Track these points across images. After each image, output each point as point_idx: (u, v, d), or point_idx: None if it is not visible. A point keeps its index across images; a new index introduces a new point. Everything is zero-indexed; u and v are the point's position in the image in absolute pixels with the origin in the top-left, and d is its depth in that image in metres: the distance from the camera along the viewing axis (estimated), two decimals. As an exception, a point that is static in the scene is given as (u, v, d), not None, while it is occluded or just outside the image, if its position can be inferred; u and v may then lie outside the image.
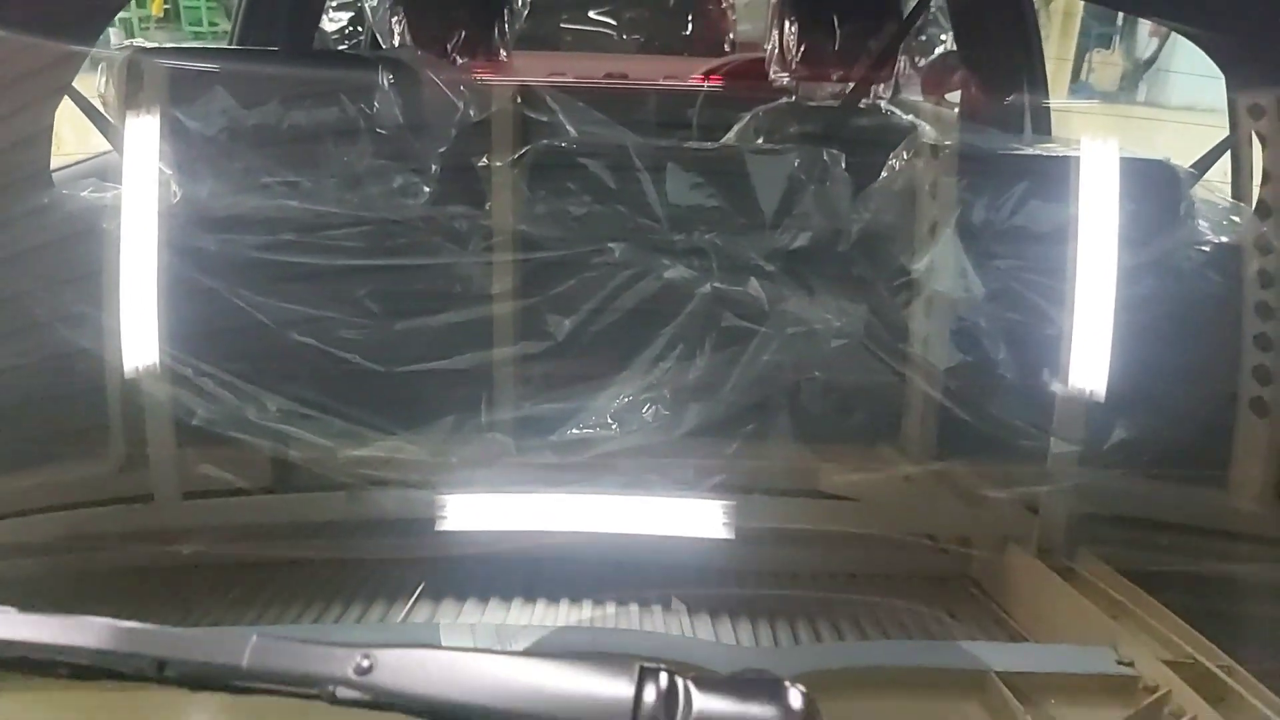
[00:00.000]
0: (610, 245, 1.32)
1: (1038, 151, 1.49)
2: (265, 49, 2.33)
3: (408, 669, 0.56)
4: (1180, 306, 1.34)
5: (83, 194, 1.36)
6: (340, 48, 4.16)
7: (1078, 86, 10.53)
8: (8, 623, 0.59)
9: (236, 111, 1.36)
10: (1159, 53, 15.64)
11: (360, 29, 3.76)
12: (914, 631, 1.24)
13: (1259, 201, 1.38)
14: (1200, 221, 1.39)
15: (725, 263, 1.31)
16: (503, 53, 2.24)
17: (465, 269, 1.35)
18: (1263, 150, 1.39)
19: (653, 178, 1.35)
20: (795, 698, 0.56)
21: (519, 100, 1.45)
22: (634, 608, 1.24)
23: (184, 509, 1.34)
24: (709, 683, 0.56)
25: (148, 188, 1.31)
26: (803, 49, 2.17)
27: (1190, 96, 16.02)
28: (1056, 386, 1.29)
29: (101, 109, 1.41)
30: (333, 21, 4.19)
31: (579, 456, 1.29)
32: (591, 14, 4.69)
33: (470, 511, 1.33)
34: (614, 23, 4.78)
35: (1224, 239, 1.39)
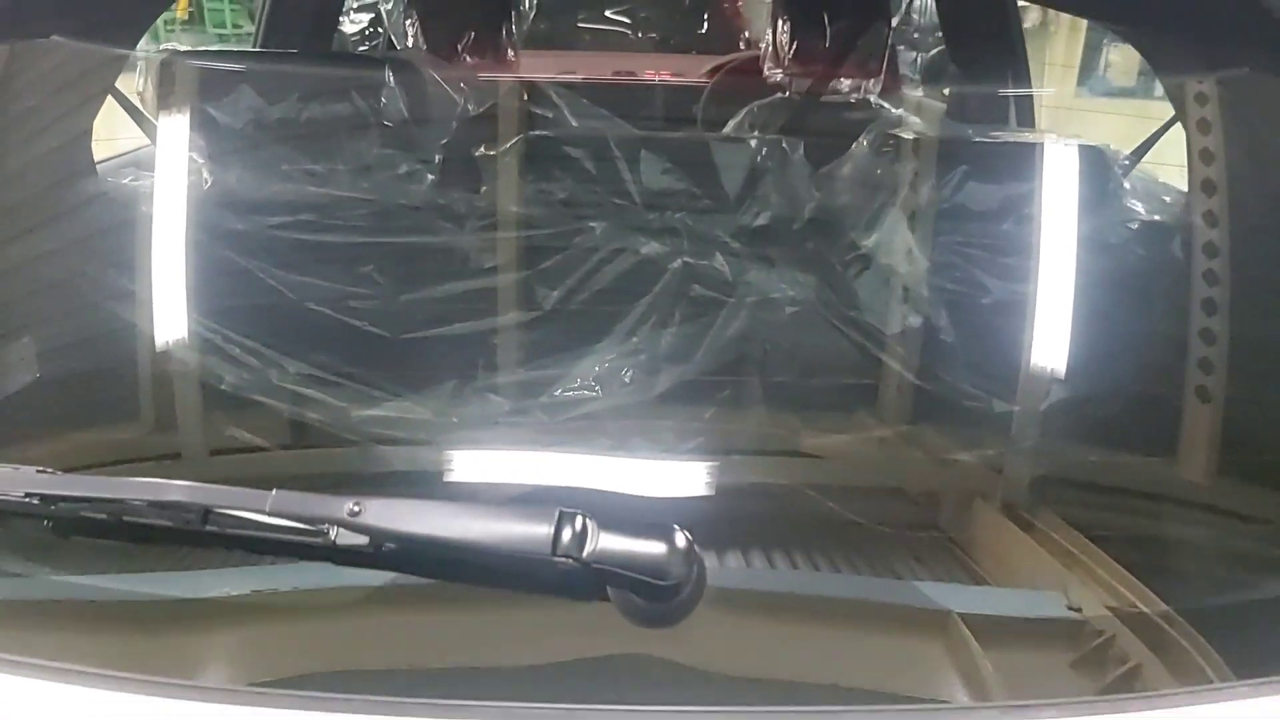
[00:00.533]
0: (592, 225, 1.45)
1: (993, 140, 1.62)
2: (286, 51, 2.47)
3: (387, 512, 0.72)
4: (1126, 284, 1.44)
5: (124, 182, 1.51)
6: (361, 48, 4.30)
7: (1095, 81, 10.47)
8: (56, 483, 0.75)
9: (260, 107, 1.50)
10: (1177, 47, 15.49)
11: (380, 29, 3.90)
12: (881, 573, 1.34)
13: (1204, 180, 1.48)
14: (1135, 203, 1.51)
15: (694, 240, 1.44)
16: (509, 53, 2.37)
17: (463, 246, 1.48)
18: (1202, 136, 1.49)
19: (629, 165, 1.48)
20: (680, 539, 0.73)
21: (523, 97, 1.58)
22: None
23: (209, 465, 1.45)
24: (612, 525, 0.72)
25: (182, 175, 1.46)
26: (795, 46, 2.30)
27: (1208, 91, 15.78)
28: (1019, 360, 1.40)
29: (139, 106, 1.57)
30: (353, 23, 4.33)
31: (565, 416, 1.41)
32: (607, 13, 4.78)
33: (469, 466, 1.47)
34: (629, 21, 4.85)
35: (1159, 218, 1.51)
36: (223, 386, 1.37)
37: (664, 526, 0.76)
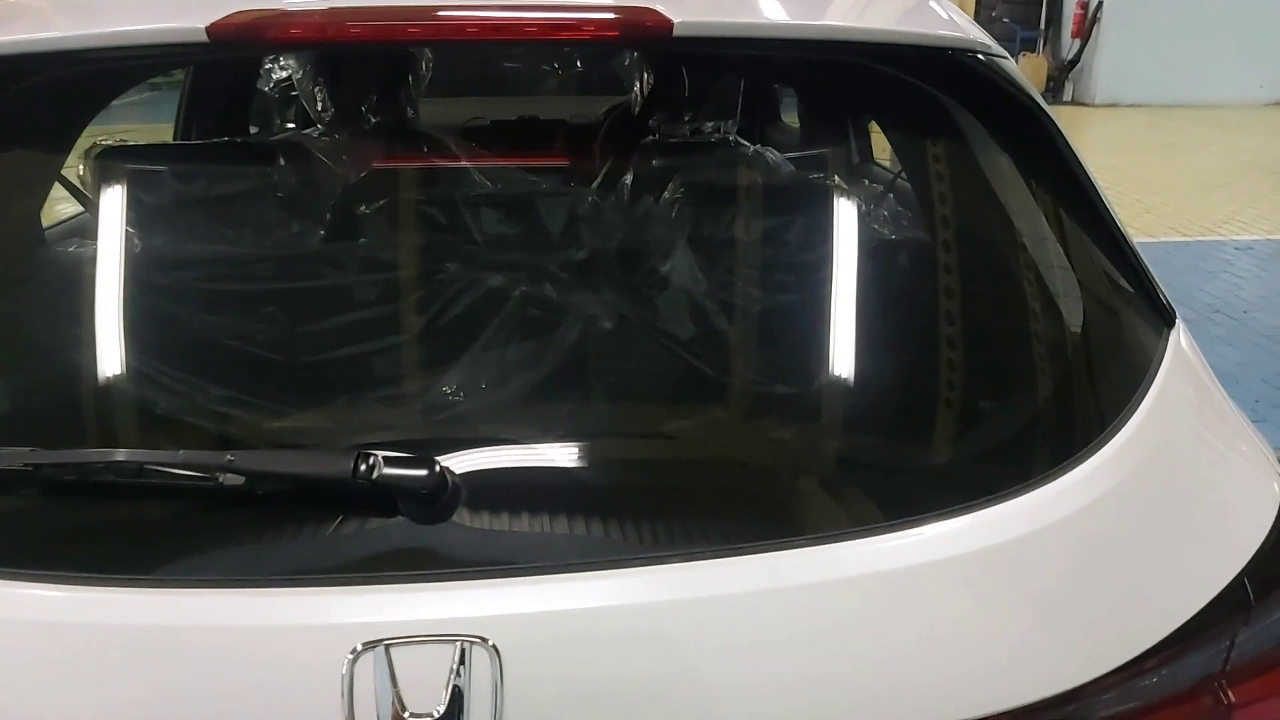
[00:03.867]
0: (449, 265, 1.81)
1: (773, 182, 2.02)
2: (198, 143, 2.83)
3: (252, 457, 1.11)
4: (872, 293, 1.76)
5: (70, 250, 1.87)
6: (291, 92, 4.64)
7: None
8: (40, 456, 1.12)
9: (179, 186, 1.87)
10: (1080, 54, 16.32)
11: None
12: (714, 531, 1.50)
13: (941, 216, 1.87)
14: (884, 227, 1.92)
15: (529, 273, 1.78)
16: (409, 110, 2.76)
17: (347, 287, 1.83)
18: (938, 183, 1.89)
19: (473, 218, 1.85)
20: (437, 466, 1.11)
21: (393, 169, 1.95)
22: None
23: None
24: (392, 459, 1.10)
25: (117, 243, 1.81)
26: (657, 94, 2.70)
27: (1113, 94, 16.69)
28: (789, 355, 1.73)
29: (80, 187, 1.93)
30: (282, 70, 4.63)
31: (438, 418, 1.74)
32: (506, 61, 5.01)
33: None
34: (533, 66, 5.11)
35: (899, 238, 1.92)
36: (157, 411, 1.61)
37: (428, 459, 1.15)
